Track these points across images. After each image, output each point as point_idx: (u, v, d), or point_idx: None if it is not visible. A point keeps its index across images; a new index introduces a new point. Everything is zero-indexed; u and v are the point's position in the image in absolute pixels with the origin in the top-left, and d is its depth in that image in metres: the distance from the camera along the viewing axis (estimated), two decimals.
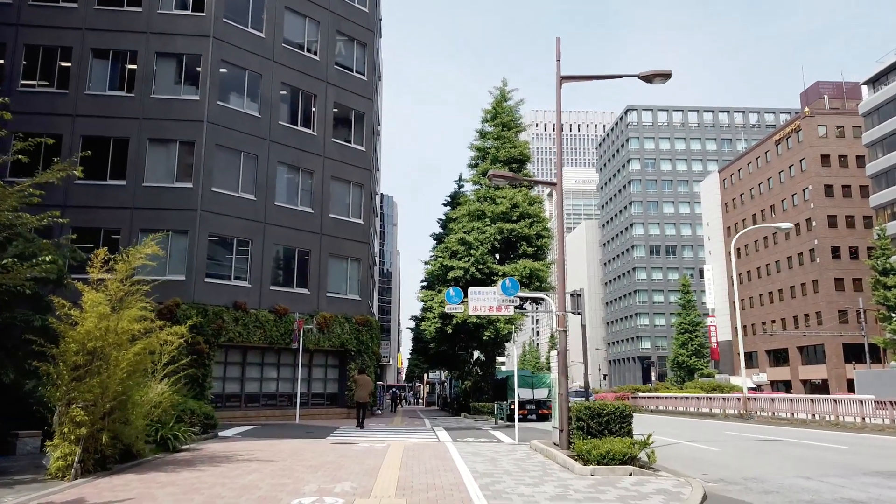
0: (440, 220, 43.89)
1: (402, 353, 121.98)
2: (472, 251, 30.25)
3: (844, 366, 66.10)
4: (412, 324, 50.82)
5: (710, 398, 30.77)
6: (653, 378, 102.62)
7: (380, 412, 34.29)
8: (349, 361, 28.07)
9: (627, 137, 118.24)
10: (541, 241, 30.82)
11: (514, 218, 30.83)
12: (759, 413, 26.19)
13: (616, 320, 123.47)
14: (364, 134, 30.64)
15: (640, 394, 41.29)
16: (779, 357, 76.50)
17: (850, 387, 64.36)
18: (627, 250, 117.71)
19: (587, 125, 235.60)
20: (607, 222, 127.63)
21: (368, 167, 30.60)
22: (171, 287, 23.52)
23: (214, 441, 15.12)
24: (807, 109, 71.84)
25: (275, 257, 26.52)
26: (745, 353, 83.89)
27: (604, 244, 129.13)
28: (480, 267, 30.26)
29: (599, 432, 12.73)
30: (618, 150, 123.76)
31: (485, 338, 29.25)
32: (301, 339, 24.26)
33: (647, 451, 11.47)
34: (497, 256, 31.40)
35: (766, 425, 24.27)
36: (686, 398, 33.64)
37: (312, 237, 27.70)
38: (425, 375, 69.73)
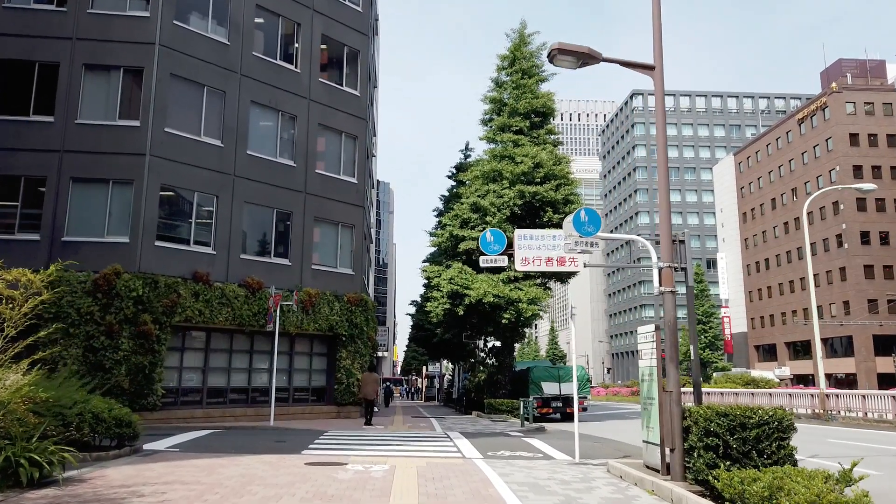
0: (443, 196, 38.92)
1: (398, 347, 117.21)
2: (488, 218, 25.17)
3: (875, 359, 61.49)
4: (412, 310, 45.84)
5: (771, 394, 25.86)
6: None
7: (376, 409, 29.21)
8: (339, 348, 22.99)
9: (633, 123, 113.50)
10: (569, 208, 25.73)
11: (538, 180, 25.76)
12: (843, 413, 21.26)
13: (620, 312, 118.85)
14: (358, 76, 25.46)
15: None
16: (799, 350, 71.83)
17: (881, 381, 59.83)
18: (632, 241, 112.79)
19: (587, 114, 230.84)
20: (611, 211, 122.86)
21: (364, 116, 25.44)
22: (111, 251, 18.42)
23: (128, 460, 10.03)
24: (834, 85, 66.95)
25: (247, 219, 21.37)
26: (762, 347, 79.28)
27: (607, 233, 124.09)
28: None
29: (744, 455, 7.75)
30: (622, 137, 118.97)
31: (503, 321, 24.22)
32: (277, 320, 19.16)
33: (859, 493, 6.48)
34: (516, 226, 26.28)
35: (864, 429, 19.36)
36: (736, 394, 28.69)
37: (294, 196, 22.56)
38: (424, 368, 64.76)
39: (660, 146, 9.26)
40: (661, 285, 8.72)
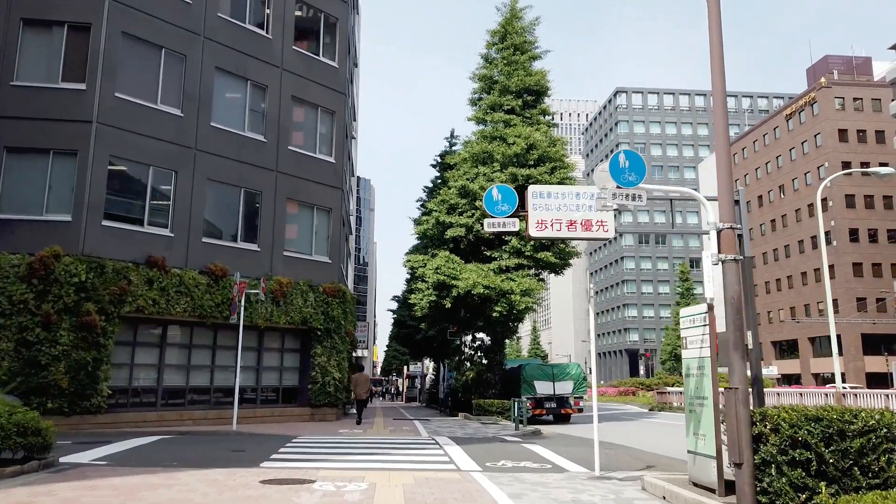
0: (426, 187, 36.86)
1: (377, 347, 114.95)
2: (477, 203, 23.17)
3: (864, 358, 60.60)
4: (392, 309, 43.75)
5: (779, 393, 24.17)
6: (641, 371, 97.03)
7: (354, 411, 27.06)
8: (314, 344, 20.80)
9: (616, 121, 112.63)
10: None
11: (531, 162, 23.82)
12: None
13: (602, 311, 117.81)
14: (337, 47, 23.30)
15: (669, 388, 34.63)
16: (785, 349, 70.91)
17: (870, 381, 58.91)
18: (615, 238, 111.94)
19: (570, 113, 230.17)
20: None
21: (343, 90, 23.29)
22: (50, 231, 16.07)
23: (29, 479, 7.83)
24: (823, 80, 66.09)
25: (210, 198, 19.11)
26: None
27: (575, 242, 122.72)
28: None
29: (844, 472, 5.83)
30: (606, 135, 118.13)
31: (494, 315, 22.24)
32: (242, 311, 16.95)
33: None
34: None
35: None
36: None
37: (265, 175, 20.34)
38: (405, 368, 62.65)
39: (715, 85, 7.29)
40: (719, 251, 6.75)
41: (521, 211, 8.24)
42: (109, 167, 17.00)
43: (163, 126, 18.09)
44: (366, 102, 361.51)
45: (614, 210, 7.07)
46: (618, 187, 6.87)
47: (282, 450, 11.73)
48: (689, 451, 7.68)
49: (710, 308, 7.29)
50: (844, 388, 23.75)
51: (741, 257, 6.84)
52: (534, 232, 7.89)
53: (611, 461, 10.84)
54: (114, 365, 16.58)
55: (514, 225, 8.32)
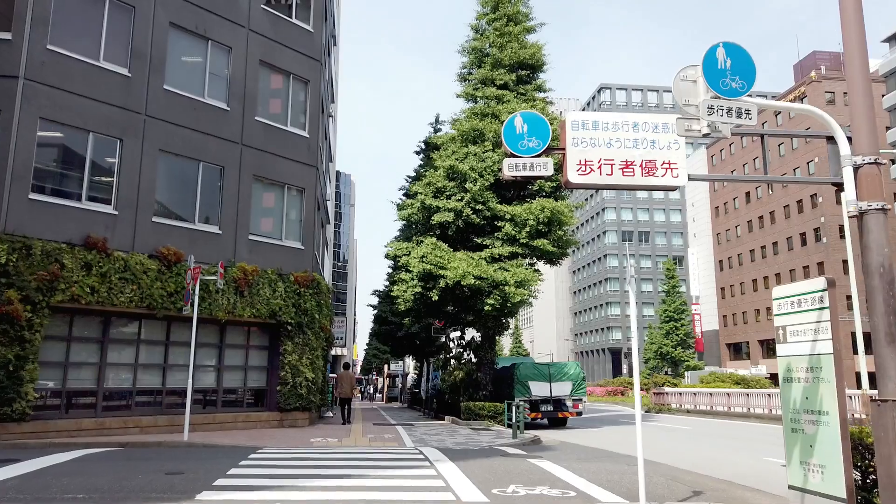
0: (409, 177, 34.57)
1: (357, 346, 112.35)
2: (467, 185, 20.96)
3: (852, 357, 59.50)
4: (373, 304, 41.39)
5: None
6: (624, 371, 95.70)
7: (331, 414, 24.71)
8: (284, 340, 18.39)
9: None
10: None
11: None
12: None
13: (585, 310, 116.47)
14: (312, 8, 20.88)
15: (667, 388, 32.70)
16: (772, 348, 69.72)
17: (858, 381, 58.10)
18: (598, 236, 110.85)
19: (551, 111, 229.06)
20: (576, 207, 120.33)
21: (318, 58, 20.87)
22: None
23: None
24: (813, 73, 65.03)
25: (162, 172, 16.61)
26: (734, 345, 77.21)
27: (573, 230, 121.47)
28: (479, 207, 21.00)
29: None
30: None
31: (486, 308, 20.00)
32: (196, 300, 14.50)
33: None
34: (500, 195, 22.07)
35: None
36: (747, 395, 25.11)
37: (228, 148, 17.88)
38: (385, 367, 60.27)
39: None
40: (858, 198, 4.58)
41: (553, 151, 6.03)
42: (40, 132, 14.45)
43: (106, 87, 15.55)
44: (347, 102, 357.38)
45: (705, 134, 4.88)
46: (715, 97, 4.65)
47: (233, 470, 9.36)
48: (791, 487, 5.50)
49: (831, 283, 5.11)
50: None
51: (889, 206, 4.68)
52: (575, 176, 5.67)
53: (651, 485, 8.64)
54: (43, 364, 14.05)
55: (545, 167, 6.08)
